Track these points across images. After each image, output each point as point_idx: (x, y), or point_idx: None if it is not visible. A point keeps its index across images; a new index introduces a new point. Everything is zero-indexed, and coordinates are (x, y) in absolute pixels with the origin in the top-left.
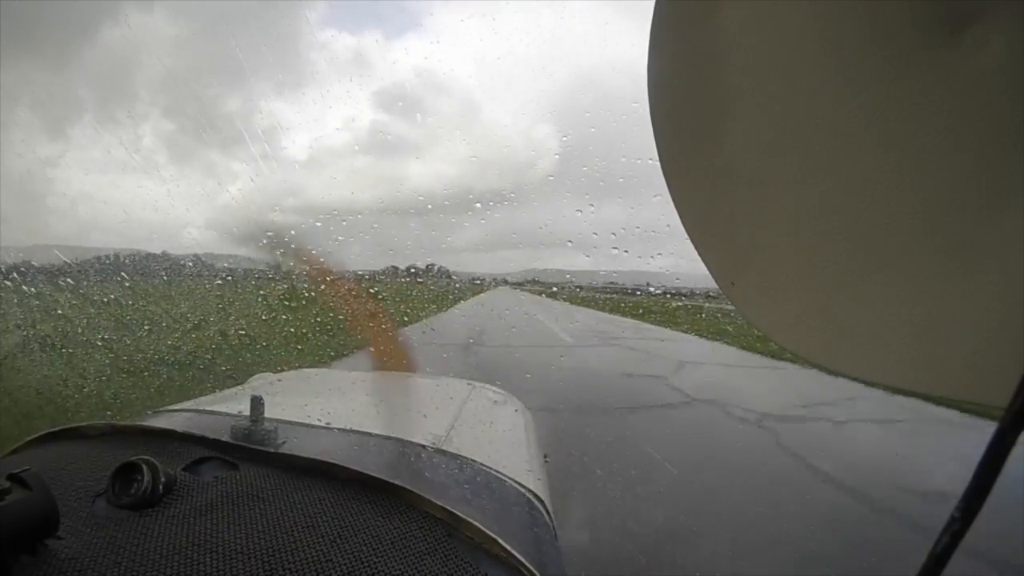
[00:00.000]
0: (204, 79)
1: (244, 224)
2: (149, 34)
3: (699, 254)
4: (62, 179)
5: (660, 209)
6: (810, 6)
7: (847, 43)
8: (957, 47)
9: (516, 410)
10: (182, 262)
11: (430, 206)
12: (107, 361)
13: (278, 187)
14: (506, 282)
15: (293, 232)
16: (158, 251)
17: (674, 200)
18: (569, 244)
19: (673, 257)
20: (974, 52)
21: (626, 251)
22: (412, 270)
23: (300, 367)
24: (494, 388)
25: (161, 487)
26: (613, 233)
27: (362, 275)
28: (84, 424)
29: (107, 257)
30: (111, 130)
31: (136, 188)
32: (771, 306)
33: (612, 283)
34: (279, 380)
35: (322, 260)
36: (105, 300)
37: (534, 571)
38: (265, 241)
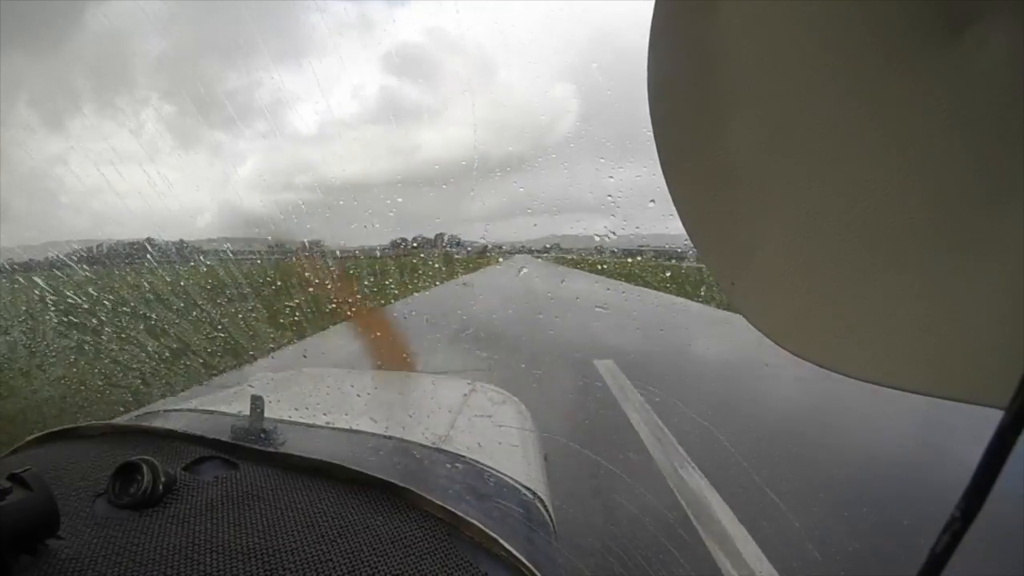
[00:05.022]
0: (202, 55)
1: (257, 206)
2: (140, 12)
3: (699, 254)
4: (66, 173)
5: None
6: (810, 6)
7: (847, 43)
8: (958, 47)
9: (516, 410)
10: (189, 249)
11: (446, 176)
12: (108, 358)
13: (288, 164)
14: (525, 250)
15: (305, 210)
16: (173, 239)
17: (674, 200)
18: (593, 207)
19: None
20: (975, 52)
21: (665, 213)
22: (418, 241)
23: (302, 368)
24: (494, 387)
25: (161, 487)
26: (652, 200)
27: (367, 250)
28: (84, 424)
29: (100, 247)
30: (112, 117)
31: (141, 176)
32: (771, 306)
33: (643, 246)
34: (279, 380)
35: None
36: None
37: (534, 571)
38: (280, 222)
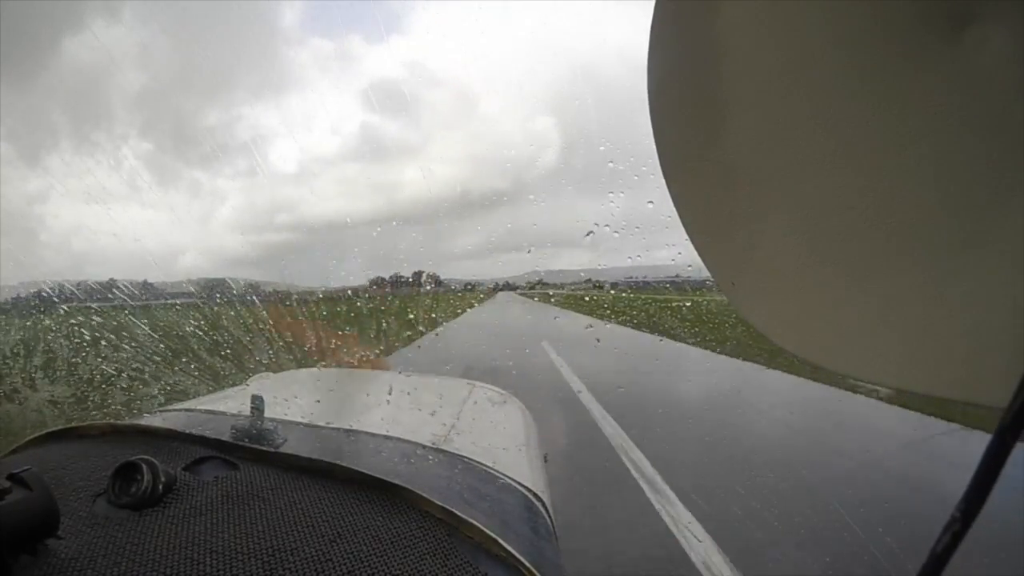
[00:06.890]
0: (182, 93)
1: (237, 246)
2: (119, 47)
3: (699, 254)
4: (45, 213)
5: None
6: (810, 5)
7: (847, 42)
8: (958, 47)
9: (516, 410)
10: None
11: (428, 213)
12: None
13: (269, 203)
14: (509, 287)
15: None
16: (141, 279)
17: (674, 200)
18: (575, 242)
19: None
20: (975, 52)
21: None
22: (397, 279)
23: (299, 367)
24: (494, 388)
25: (161, 487)
26: (638, 227)
27: (345, 291)
28: (84, 424)
29: (63, 288)
30: (90, 154)
31: (118, 217)
32: (771, 306)
33: (630, 278)
34: (279, 380)
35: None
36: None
37: (534, 571)
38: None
